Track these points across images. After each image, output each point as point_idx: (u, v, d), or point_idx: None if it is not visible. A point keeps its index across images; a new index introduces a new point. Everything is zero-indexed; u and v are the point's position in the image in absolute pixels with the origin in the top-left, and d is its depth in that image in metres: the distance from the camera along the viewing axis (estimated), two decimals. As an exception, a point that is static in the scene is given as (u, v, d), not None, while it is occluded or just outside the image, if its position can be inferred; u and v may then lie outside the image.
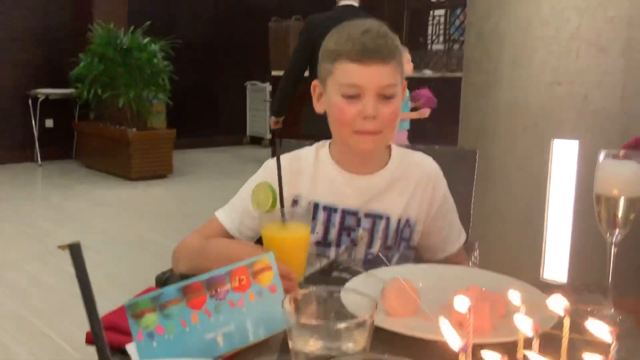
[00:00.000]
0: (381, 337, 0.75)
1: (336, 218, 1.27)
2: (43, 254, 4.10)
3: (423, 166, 1.32)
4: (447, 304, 0.93)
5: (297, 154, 1.33)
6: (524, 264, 3.10)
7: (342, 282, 0.98)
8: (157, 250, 4.21)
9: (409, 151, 1.36)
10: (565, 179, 2.96)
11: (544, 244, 3.07)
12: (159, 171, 6.67)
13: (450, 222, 1.35)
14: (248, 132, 9.31)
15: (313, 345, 0.68)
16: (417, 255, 1.36)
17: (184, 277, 1.26)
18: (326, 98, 1.23)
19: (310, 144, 1.36)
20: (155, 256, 4.06)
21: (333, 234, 1.27)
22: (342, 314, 0.73)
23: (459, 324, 0.86)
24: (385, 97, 1.17)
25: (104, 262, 3.94)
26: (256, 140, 9.32)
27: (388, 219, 1.28)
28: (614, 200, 0.90)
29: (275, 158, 1.13)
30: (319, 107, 1.27)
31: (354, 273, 1.07)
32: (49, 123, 7.41)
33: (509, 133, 2.89)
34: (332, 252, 1.28)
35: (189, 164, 7.81)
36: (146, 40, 6.66)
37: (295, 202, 1.26)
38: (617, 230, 0.91)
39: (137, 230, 4.75)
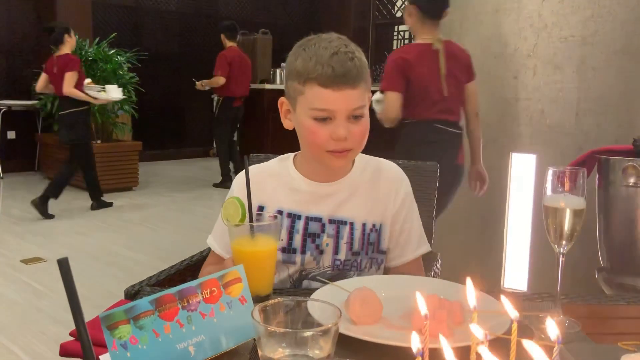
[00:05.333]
0: (346, 344, 0.79)
1: (300, 225, 1.30)
2: (5, 268, 4.03)
3: (386, 171, 1.37)
4: (408, 312, 0.99)
5: (261, 167, 1.38)
6: (485, 273, 3.19)
7: (310, 292, 1.02)
8: (123, 263, 4.18)
9: (372, 158, 1.40)
10: (524, 192, 3.07)
11: (504, 254, 3.17)
12: (125, 183, 6.62)
13: (410, 228, 1.36)
14: (215, 144, 9.31)
15: (281, 352, 0.72)
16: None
17: (154, 290, 1.31)
18: (295, 117, 1.25)
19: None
20: (122, 269, 4.03)
21: (297, 240, 1.30)
22: (309, 322, 0.77)
23: (419, 330, 0.92)
24: (355, 117, 1.20)
25: (68, 276, 3.90)
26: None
27: (352, 224, 1.31)
28: (561, 213, 0.96)
29: (243, 173, 1.17)
30: (287, 124, 1.30)
31: (322, 282, 1.12)
32: (11, 135, 7.30)
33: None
34: (297, 258, 1.31)
35: (155, 176, 7.76)
36: (112, 51, 6.63)
37: (260, 209, 1.30)
38: (564, 242, 0.97)
39: (102, 243, 4.70)
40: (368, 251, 1.32)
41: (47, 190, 5.30)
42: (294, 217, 1.30)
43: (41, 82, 5.38)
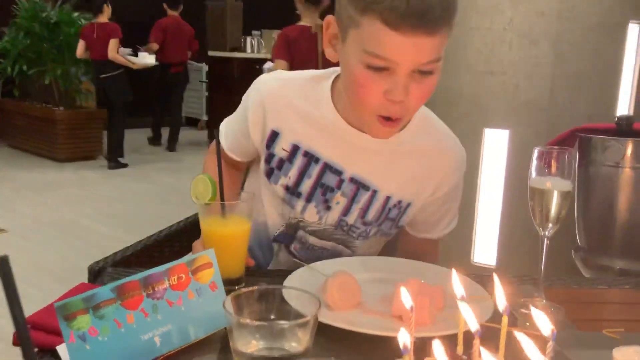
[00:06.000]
0: (325, 332, 0.74)
1: (314, 170, 1.08)
2: (-37, 239, 3.90)
3: (447, 152, 1.12)
4: (387, 295, 0.95)
5: (292, 79, 1.11)
6: (455, 248, 3.19)
7: (285, 274, 0.96)
8: (87, 235, 4.07)
9: (440, 125, 1.14)
10: (496, 167, 3.06)
11: (474, 230, 3.17)
12: (89, 152, 6.43)
13: (447, 211, 1.19)
14: (184, 113, 9.10)
15: (255, 345, 0.67)
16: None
17: (117, 267, 1.23)
18: (343, 51, 0.96)
19: None
20: (85, 242, 3.92)
21: (307, 185, 1.10)
22: (285, 311, 0.72)
23: (399, 317, 0.88)
24: (421, 72, 0.91)
25: (29, 249, 3.78)
26: (192, 122, 9.12)
27: (375, 192, 1.10)
28: (548, 195, 0.92)
29: (261, 80, 1.09)
30: (329, 53, 1.00)
31: (299, 263, 1.05)
32: (-31, 100, 7.01)
33: (442, 121, 2.93)
34: (299, 205, 1.12)
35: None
36: (75, 14, 6.37)
37: (274, 135, 1.09)
38: (549, 225, 0.94)
39: (65, 214, 4.57)
40: (382, 224, 1.15)
41: (111, 151, 6.13)
42: (310, 157, 1.08)
43: (81, 49, 5.83)
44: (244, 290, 0.70)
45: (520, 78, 2.96)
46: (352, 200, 1.11)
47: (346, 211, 1.12)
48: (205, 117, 8.81)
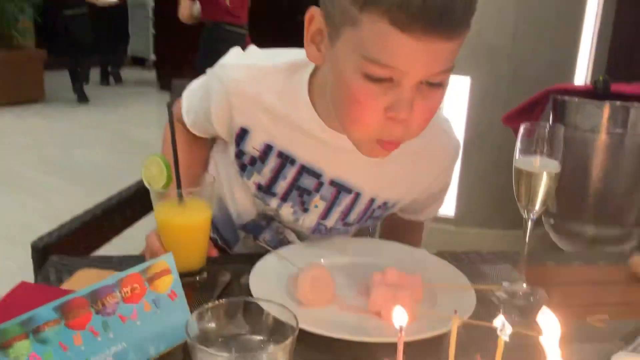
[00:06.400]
0: (302, 337, 0.67)
1: (290, 172, 0.95)
2: None
3: (438, 147, 0.97)
4: (361, 284, 0.88)
5: (261, 69, 0.91)
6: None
7: (249, 261, 0.88)
8: (31, 187, 3.86)
9: (433, 121, 0.83)
10: (456, 115, 3.01)
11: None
12: (29, 96, 6.09)
13: (436, 199, 1.08)
14: (129, 53, 8.69)
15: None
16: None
17: (62, 254, 1.10)
18: (332, 54, 0.76)
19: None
20: (29, 194, 3.73)
21: (281, 186, 0.97)
22: (258, 327, 0.64)
23: (377, 313, 0.81)
24: (429, 84, 0.74)
25: (-30, 204, 3.57)
26: (138, 61, 8.74)
27: (358, 195, 0.98)
28: (536, 177, 0.86)
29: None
30: (312, 52, 0.80)
31: (266, 248, 0.96)
32: None
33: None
34: (273, 203, 0.99)
35: (64, 87, 7.19)
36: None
37: (243, 132, 0.94)
38: (536, 208, 0.88)
39: (6, 164, 4.32)
40: (365, 222, 1.05)
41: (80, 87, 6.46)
42: (285, 159, 0.94)
43: None
44: (208, 305, 0.62)
45: (483, 25, 2.87)
46: (332, 203, 0.98)
47: (325, 215, 1.00)
48: (152, 57, 8.45)
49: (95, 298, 0.64)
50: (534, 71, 2.85)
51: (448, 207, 3.11)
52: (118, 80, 7.89)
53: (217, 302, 0.62)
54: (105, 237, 1.47)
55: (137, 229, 1.44)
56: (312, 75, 0.89)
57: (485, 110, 2.91)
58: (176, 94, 1.54)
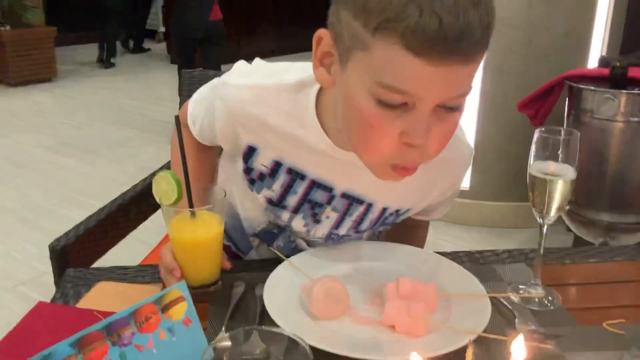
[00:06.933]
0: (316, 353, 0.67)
1: (301, 187, 0.94)
2: None
3: (450, 159, 0.91)
4: (374, 293, 0.88)
5: (265, 89, 0.89)
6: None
7: (266, 269, 0.88)
8: (45, 168, 3.89)
9: None
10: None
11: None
12: (41, 74, 6.09)
13: (445, 201, 1.06)
14: (139, 26, 8.62)
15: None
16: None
17: (80, 274, 1.08)
18: (342, 78, 0.74)
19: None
20: (44, 176, 3.76)
21: (292, 200, 0.97)
22: (273, 349, 0.64)
23: (392, 326, 0.81)
24: (446, 108, 0.71)
25: (-15, 186, 3.62)
26: (149, 34, 8.67)
27: (370, 205, 0.97)
28: (551, 184, 0.85)
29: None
30: (321, 75, 0.78)
31: (278, 256, 0.96)
32: None
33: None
34: (285, 215, 0.99)
35: (76, 63, 7.19)
36: None
37: (252, 150, 0.93)
38: (551, 215, 0.87)
39: (20, 144, 4.36)
40: (378, 229, 1.05)
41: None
42: (296, 175, 0.94)
43: None
44: (226, 337, 0.62)
45: (497, -6, 2.80)
46: (344, 214, 0.98)
47: (337, 225, 1.00)
48: (162, 29, 8.39)
49: (111, 330, 0.64)
50: (549, 41, 2.78)
51: (464, 180, 3.09)
52: (138, 50, 8.08)
53: (231, 332, 0.63)
54: (122, 232, 1.49)
55: (152, 221, 1.46)
56: (320, 93, 0.86)
57: (500, 81, 2.86)
58: (185, 86, 1.53)
